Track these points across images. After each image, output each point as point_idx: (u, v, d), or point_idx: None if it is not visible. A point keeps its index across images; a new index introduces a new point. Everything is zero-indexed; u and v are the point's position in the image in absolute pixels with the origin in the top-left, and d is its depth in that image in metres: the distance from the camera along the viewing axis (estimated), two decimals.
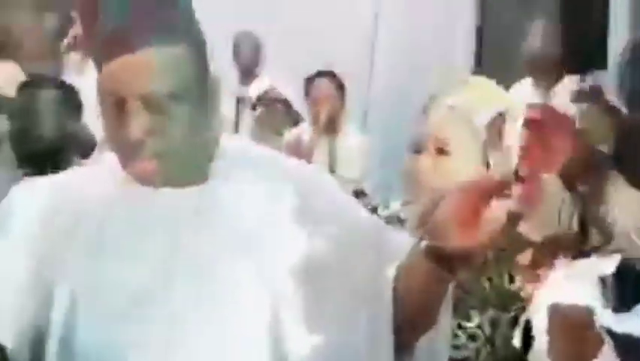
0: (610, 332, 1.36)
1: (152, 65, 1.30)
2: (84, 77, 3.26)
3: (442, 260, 1.25)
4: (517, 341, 1.34)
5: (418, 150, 1.80)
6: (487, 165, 1.78)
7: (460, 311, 1.66)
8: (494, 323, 1.66)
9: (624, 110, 4.19)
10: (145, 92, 1.29)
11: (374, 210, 4.22)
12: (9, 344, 1.31)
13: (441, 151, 1.77)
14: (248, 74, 5.33)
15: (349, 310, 1.37)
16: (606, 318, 1.43)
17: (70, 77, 3.66)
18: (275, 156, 1.51)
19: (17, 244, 1.37)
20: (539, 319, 1.28)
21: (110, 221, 1.36)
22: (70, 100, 2.72)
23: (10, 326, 1.32)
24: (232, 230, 1.36)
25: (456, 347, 1.67)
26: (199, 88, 1.35)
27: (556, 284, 1.30)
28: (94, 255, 1.35)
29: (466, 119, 1.78)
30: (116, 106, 1.30)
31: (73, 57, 4.36)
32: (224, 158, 1.41)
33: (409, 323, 1.36)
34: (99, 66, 1.32)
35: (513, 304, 1.65)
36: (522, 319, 1.34)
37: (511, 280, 1.68)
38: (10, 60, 4.10)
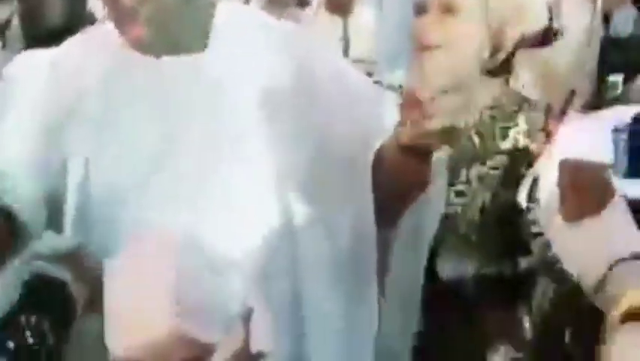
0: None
1: None
2: None
3: (412, 154, 1.29)
4: (522, 198, 1.29)
5: (422, 9, 1.73)
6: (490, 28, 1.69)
7: (451, 170, 1.63)
8: (481, 179, 1.66)
9: None
10: None
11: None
12: (25, 213, 1.33)
13: (446, 9, 1.69)
14: None
15: (342, 181, 1.42)
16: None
17: None
18: (275, 26, 1.52)
19: (24, 115, 1.39)
20: (548, 174, 1.19)
21: (112, 93, 1.39)
22: None
23: (25, 195, 1.34)
24: (234, 97, 1.39)
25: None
26: None
27: (567, 138, 1.23)
28: (101, 126, 1.37)
29: None
30: None
31: None
32: (224, 26, 1.43)
33: (394, 197, 1.40)
34: None
35: (503, 159, 1.65)
36: (528, 175, 1.28)
37: (504, 136, 1.67)
38: None
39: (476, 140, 1.68)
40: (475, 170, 1.66)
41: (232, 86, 1.40)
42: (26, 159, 1.36)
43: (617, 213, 1.15)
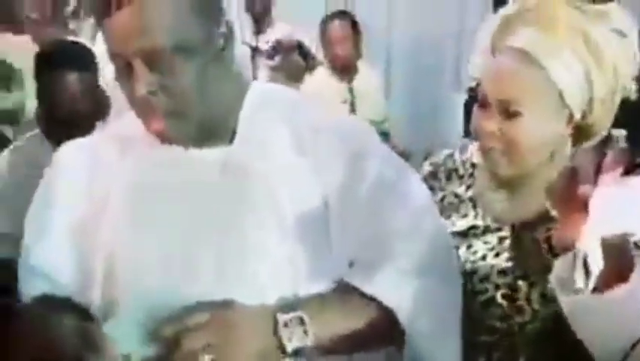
0: None
1: (149, 16, 1.22)
2: (96, 44, 3.19)
3: None
4: (580, 282, 1.14)
5: (482, 103, 1.49)
6: (571, 117, 1.48)
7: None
8: (544, 296, 1.48)
9: None
10: (144, 47, 1.23)
11: (402, 154, 4.19)
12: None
13: (508, 113, 1.45)
14: (261, 21, 5.25)
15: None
16: None
17: None
18: (300, 100, 1.46)
19: (62, 206, 1.39)
20: (592, 252, 1.12)
21: (141, 187, 1.35)
22: (90, 63, 2.63)
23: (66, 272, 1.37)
24: (256, 188, 1.33)
25: (497, 317, 1.51)
26: (208, 39, 1.28)
27: (599, 214, 1.11)
28: (131, 221, 1.35)
29: (538, 65, 1.44)
30: (124, 65, 1.25)
31: (82, 23, 4.30)
32: (251, 106, 1.37)
33: None
34: (100, 25, 1.27)
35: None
36: (579, 256, 1.14)
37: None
38: (24, 34, 4.06)
39: (544, 248, 1.50)
40: (540, 286, 1.49)
41: (256, 174, 1.34)
42: (65, 256, 1.38)
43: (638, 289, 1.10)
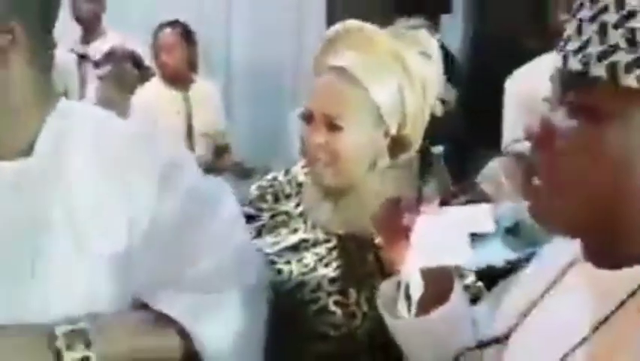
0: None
1: None
2: None
3: None
4: (404, 311, 1.22)
5: (308, 119, 1.61)
6: (386, 133, 1.62)
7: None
8: (371, 300, 1.54)
9: None
10: None
11: (244, 170, 4.00)
12: None
13: (332, 127, 1.58)
14: (90, 29, 4.94)
15: None
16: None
17: None
18: (105, 120, 1.39)
19: None
20: (413, 280, 1.20)
21: None
22: None
23: None
24: (53, 206, 1.26)
25: (331, 325, 1.59)
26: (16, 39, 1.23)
27: (419, 244, 1.20)
28: None
29: (358, 85, 1.58)
30: None
31: None
32: (53, 129, 1.29)
33: None
34: None
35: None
36: (402, 285, 1.22)
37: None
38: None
39: (370, 255, 1.62)
40: (368, 291, 1.58)
41: (58, 196, 1.27)
42: None
43: (460, 304, 1.24)
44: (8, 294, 1.23)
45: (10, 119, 1.27)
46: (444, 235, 1.18)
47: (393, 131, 1.61)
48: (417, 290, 1.19)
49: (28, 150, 1.29)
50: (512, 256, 2.38)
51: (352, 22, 1.64)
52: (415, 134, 1.65)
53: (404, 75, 1.59)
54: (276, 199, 1.73)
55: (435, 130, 1.69)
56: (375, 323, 1.50)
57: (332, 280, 1.60)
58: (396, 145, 1.64)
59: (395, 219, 1.23)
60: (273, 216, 1.72)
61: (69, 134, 1.31)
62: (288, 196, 1.73)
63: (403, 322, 1.23)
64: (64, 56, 4.86)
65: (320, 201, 1.67)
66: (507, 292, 1.16)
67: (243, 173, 4.28)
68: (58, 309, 1.24)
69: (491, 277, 1.73)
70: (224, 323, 1.32)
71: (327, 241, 1.65)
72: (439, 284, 1.21)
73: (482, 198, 1.25)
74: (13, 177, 1.27)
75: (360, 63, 1.58)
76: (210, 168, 4.22)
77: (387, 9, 4.52)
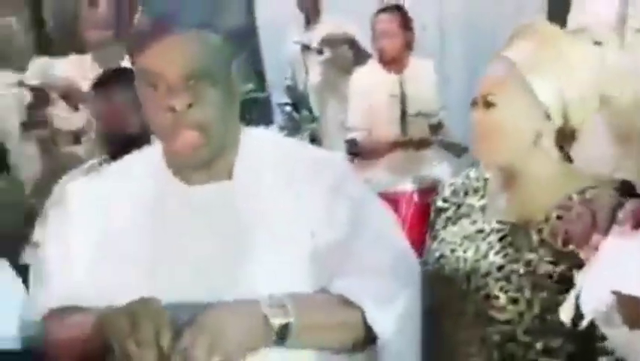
0: None
1: (192, 47, 1.43)
2: None
3: None
4: (564, 315, 1.25)
5: (474, 102, 1.74)
6: (547, 117, 1.69)
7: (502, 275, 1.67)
8: (535, 286, 1.62)
9: None
10: (187, 71, 1.42)
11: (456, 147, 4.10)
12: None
13: (487, 104, 1.69)
14: (312, 16, 5.23)
15: None
16: None
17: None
18: (293, 150, 1.63)
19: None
20: (592, 291, 1.20)
21: (147, 220, 1.53)
22: None
23: None
24: (253, 222, 1.50)
25: (496, 309, 1.65)
26: (228, 74, 1.48)
27: (611, 260, 1.17)
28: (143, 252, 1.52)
29: (521, 79, 1.68)
30: (158, 85, 1.43)
31: None
32: (246, 155, 1.55)
33: None
34: (138, 52, 1.45)
35: (553, 266, 1.61)
36: (571, 292, 1.25)
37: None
38: (87, 54, 4.17)
39: (534, 242, 1.67)
40: (528, 276, 1.64)
41: (256, 217, 1.51)
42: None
43: None
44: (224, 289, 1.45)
45: (227, 143, 1.52)
46: (632, 262, 1.15)
47: (556, 120, 1.69)
48: (588, 305, 1.19)
49: (229, 174, 1.54)
50: None
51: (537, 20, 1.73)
52: (582, 125, 1.72)
53: (565, 68, 1.68)
54: (466, 193, 1.85)
55: None
56: (542, 309, 1.62)
57: (499, 268, 1.68)
58: (562, 135, 1.71)
59: (586, 234, 1.25)
60: (458, 208, 1.84)
61: (258, 158, 1.56)
62: (476, 190, 1.84)
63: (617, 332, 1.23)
64: (290, 47, 5.22)
65: (498, 193, 1.77)
66: None
67: (456, 151, 4.36)
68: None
69: None
70: (394, 309, 1.48)
71: (500, 230, 1.74)
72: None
73: None
74: (218, 197, 1.52)
75: (526, 56, 1.69)
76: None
77: None
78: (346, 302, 1.46)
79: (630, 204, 1.19)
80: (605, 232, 1.18)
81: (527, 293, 1.64)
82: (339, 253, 1.51)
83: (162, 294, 1.37)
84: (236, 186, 1.53)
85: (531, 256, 1.66)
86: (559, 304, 1.34)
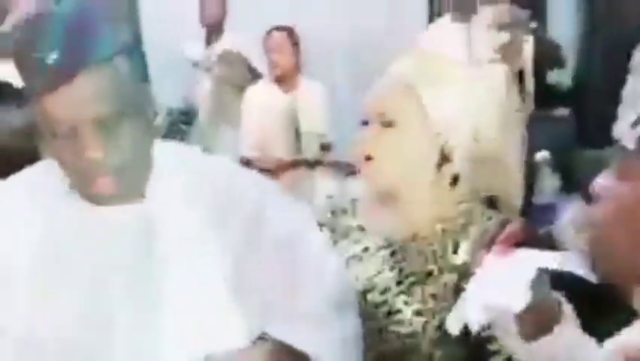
0: None
1: (95, 87, 1.31)
2: None
3: None
4: (451, 326, 1.30)
5: (365, 121, 1.67)
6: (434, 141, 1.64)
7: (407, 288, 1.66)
8: (434, 296, 1.63)
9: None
10: (95, 115, 1.31)
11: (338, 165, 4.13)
12: None
13: (385, 123, 1.63)
14: (213, 33, 5.27)
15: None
16: None
17: None
18: (198, 163, 1.52)
19: None
20: (475, 300, 1.27)
21: (53, 244, 1.40)
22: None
23: None
24: (167, 247, 1.41)
25: (400, 323, 1.64)
26: (137, 99, 1.37)
27: (485, 276, 1.26)
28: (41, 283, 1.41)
29: (412, 91, 1.63)
30: (69, 132, 1.32)
31: None
32: (156, 173, 1.45)
33: None
34: (38, 97, 1.32)
35: (454, 276, 1.62)
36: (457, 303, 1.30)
37: (455, 250, 1.63)
38: None
39: (429, 255, 1.66)
40: (430, 288, 1.63)
41: (168, 234, 1.43)
42: None
43: (568, 329, 1.28)
44: (135, 333, 1.38)
45: (142, 166, 1.42)
46: (507, 277, 1.22)
47: (440, 140, 1.64)
48: (473, 320, 1.25)
49: (141, 195, 1.42)
50: None
51: None
52: (463, 152, 1.67)
53: (441, 84, 1.66)
54: (334, 214, 1.84)
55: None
56: (442, 319, 1.53)
57: (398, 282, 1.66)
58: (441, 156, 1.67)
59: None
60: (332, 231, 1.81)
61: (168, 179, 1.45)
62: (344, 211, 1.83)
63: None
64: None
65: (374, 211, 1.70)
66: None
67: (345, 170, 4.46)
68: (182, 348, 1.37)
69: None
70: (340, 343, 1.47)
71: (389, 246, 1.71)
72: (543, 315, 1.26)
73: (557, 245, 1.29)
74: (135, 221, 1.41)
75: (412, 70, 1.66)
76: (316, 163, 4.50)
77: None
78: (290, 352, 1.42)
79: (511, 227, 1.27)
80: (488, 249, 1.27)
81: (431, 304, 1.62)
82: (268, 288, 1.45)
83: (47, 331, 1.35)
84: (150, 210, 1.43)
85: (432, 266, 1.64)
86: None
